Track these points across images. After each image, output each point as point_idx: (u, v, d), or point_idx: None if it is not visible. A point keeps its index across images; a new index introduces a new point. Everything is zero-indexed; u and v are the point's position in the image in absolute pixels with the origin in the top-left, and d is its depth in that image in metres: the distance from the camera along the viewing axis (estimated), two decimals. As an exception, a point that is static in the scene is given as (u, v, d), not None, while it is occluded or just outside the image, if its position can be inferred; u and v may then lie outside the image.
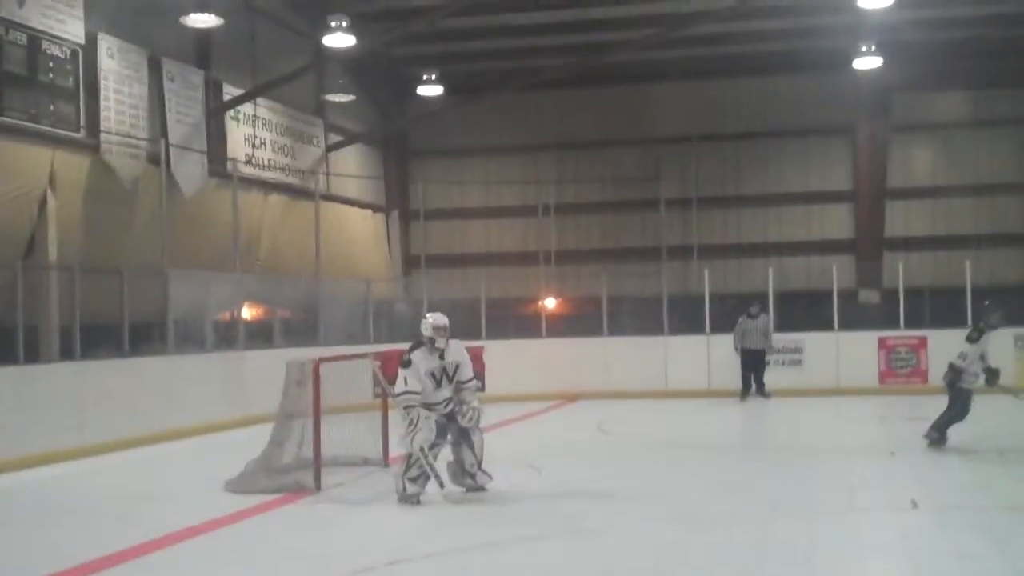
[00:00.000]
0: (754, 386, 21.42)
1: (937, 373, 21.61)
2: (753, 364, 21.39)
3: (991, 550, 8.24)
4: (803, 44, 26.68)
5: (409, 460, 10.64)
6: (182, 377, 17.21)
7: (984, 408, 19.10)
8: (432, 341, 10.75)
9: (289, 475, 11.72)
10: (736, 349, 21.31)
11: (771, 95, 28.38)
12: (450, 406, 10.83)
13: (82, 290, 15.58)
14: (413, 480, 10.60)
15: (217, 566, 8.37)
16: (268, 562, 8.38)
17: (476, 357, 17.50)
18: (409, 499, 10.57)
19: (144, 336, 17.56)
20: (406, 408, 10.61)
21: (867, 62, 24.41)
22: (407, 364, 10.73)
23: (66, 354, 15.88)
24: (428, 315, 11.14)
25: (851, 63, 24.66)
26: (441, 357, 10.80)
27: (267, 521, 10.15)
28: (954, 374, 14.28)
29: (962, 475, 11.98)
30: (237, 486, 11.56)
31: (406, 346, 11.05)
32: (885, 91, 27.53)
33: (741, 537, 8.45)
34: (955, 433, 14.04)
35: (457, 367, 10.91)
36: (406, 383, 10.66)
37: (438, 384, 10.78)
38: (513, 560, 8.08)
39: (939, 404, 17.82)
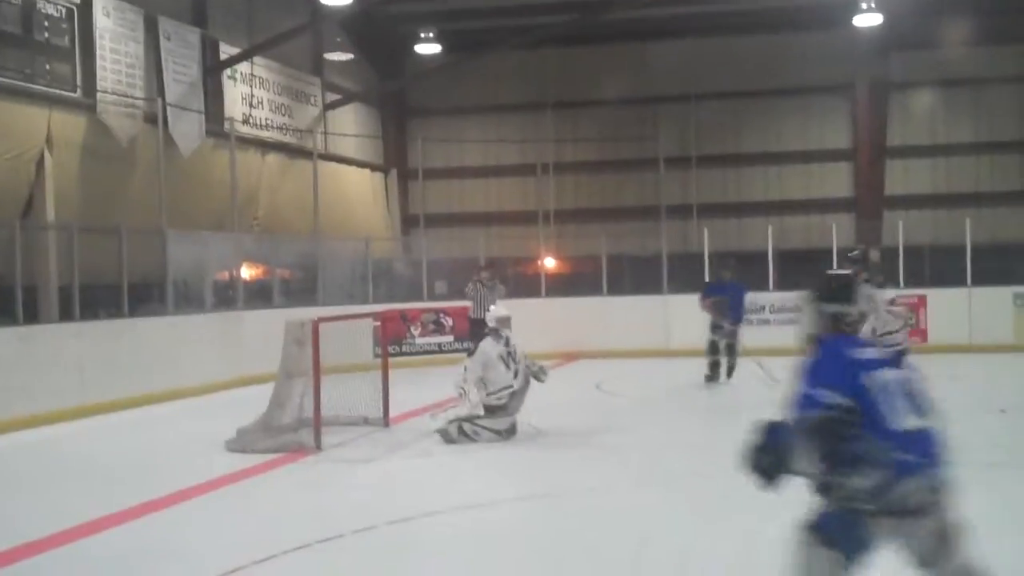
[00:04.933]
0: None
1: (937, 331, 21.86)
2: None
3: (995, 508, 8.20)
4: (803, 1, 26.51)
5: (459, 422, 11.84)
6: (181, 337, 17.20)
7: (986, 366, 19.23)
8: (496, 331, 12.17)
9: (290, 435, 11.76)
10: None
11: (771, 53, 28.19)
12: (518, 382, 11.98)
13: (80, 250, 15.54)
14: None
15: (218, 525, 8.38)
16: (269, 521, 8.39)
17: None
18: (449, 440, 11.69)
19: (143, 296, 17.53)
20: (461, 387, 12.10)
21: (867, 19, 24.29)
22: (471, 352, 12.86)
23: (65, 314, 15.86)
24: (491, 308, 12.86)
25: (851, 20, 24.54)
26: (506, 344, 12.11)
27: (268, 481, 10.17)
28: None
29: (963, 434, 11.91)
30: (238, 445, 11.58)
31: (405, 306, 11.49)
32: (885, 48, 27.38)
33: (739, 497, 8.42)
34: (957, 392, 14.02)
35: (516, 347, 12.21)
36: (466, 370, 12.24)
37: (507, 366, 11.95)
38: (511, 519, 8.10)
39: (938, 362, 17.80)
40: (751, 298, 18.78)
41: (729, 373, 17.00)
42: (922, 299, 22.09)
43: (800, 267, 23.11)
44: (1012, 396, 15.30)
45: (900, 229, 22.86)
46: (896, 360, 4.80)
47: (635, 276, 23.71)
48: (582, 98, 29.07)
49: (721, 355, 16.92)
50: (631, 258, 24.17)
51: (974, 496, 8.56)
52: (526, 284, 24.32)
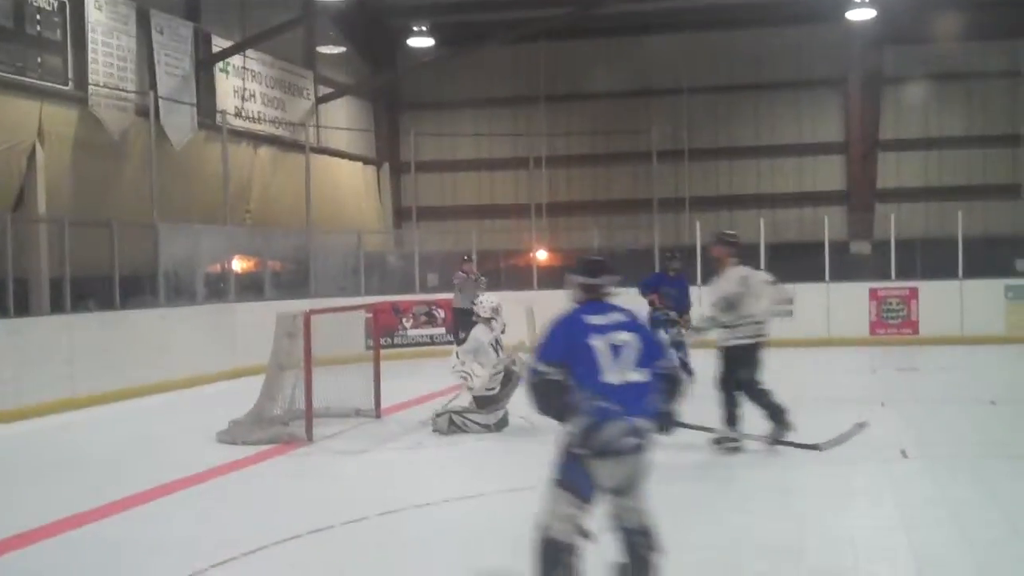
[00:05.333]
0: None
1: (928, 324, 21.90)
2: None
3: (982, 498, 8.28)
4: (796, -5, 26.57)
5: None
6: (173, 329, 17.18)
7: (977, 358, 19.28)
8: (489, 321, 12.41)
9: (281, 427, 11.76)
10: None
11: (764, 47, 28.22)
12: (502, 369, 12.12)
13: (72, 243, 15.51)
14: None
15: (209, 517, 8.38)
16: (260, 512, 8.40)
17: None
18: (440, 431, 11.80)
19: (135, 289, 17.50)
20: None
21: (860, 13, 24.33)
22: (461, 342, 13.15)
23: (56, 307, 15.83)
24: (483, 299, 12.84)
25: (844, 14, 24.56)
26: (502, 331, 12.52)
27: (259, 472, 10.17)
28: None
29: (953, 425, 12.02)
30: (229, 437, 11.58)
31: (398, 298, 11.47)
32: (878, 42, 27.40)
33: (729, 485, 8.48)
34: (947, 384, 14.08)
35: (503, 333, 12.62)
36: (457, 356, 12.49)
37: (498, 353, 12.24)
38: (501, 511, 8.09)
39: (930, 355, 17.90)
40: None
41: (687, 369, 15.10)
42: (914, 291, 22.14)
43: (792, 260, 23.18)
44: (1002, 388, 15.34)
45: (892, 222, 22.88)
46: (631, 324, 5.65)
47: (627, 269, 23.64)
48: (574, 91, 29.06)
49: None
50: (623, 251, 24.15)
51: (962, 487, 8.66)
52: (518, 276, 24.31)
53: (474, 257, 21.17)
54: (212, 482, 9.66)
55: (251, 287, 20.79)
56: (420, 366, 18.63)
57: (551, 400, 5.48)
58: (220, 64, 21.87)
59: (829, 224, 23.04)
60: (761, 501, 8.19)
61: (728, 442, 10.29)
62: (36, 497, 9.22)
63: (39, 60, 16.77)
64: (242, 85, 22.66)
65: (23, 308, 15.58)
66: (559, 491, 5.46)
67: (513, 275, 24.45)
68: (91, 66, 17.75)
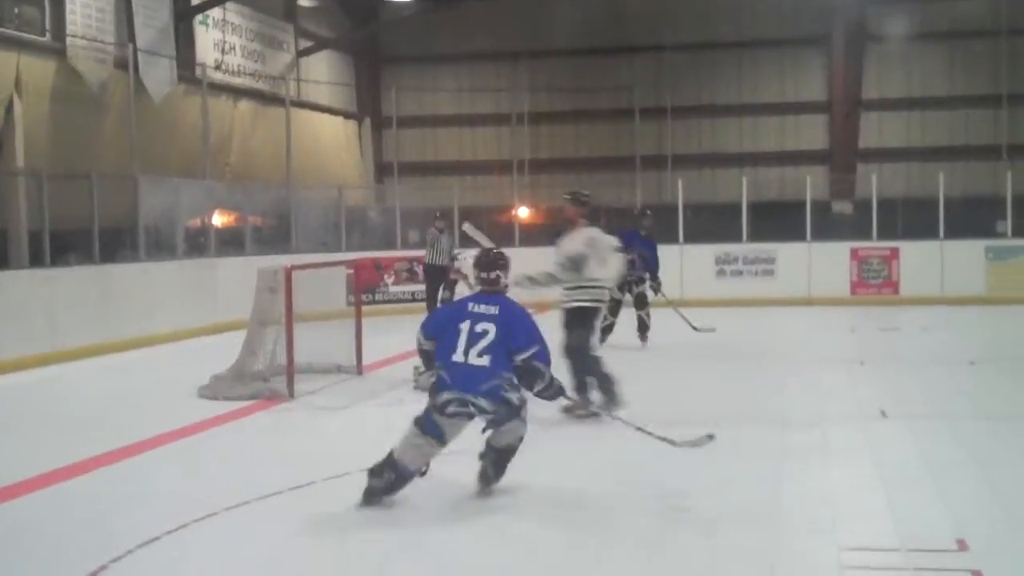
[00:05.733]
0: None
1: (909, 284, 21.99)
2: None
3: (961, 457, 8.33)
4: (781, -49, 26.45)
5: None
6: (153, 284, 17.12)
7: (957, 318, 19.38)
8: (466, 277, 12.87)
9: (262, 382, 11.75)
10: None
11: (746, 4, 28.14)
12: None
13: (51, 196, 15.39)
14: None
15: (190, 472, 8.37)
16: (242, 468, 8.39)
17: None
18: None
19: (115, 243, 17.40)
20: None
21: (844, -30, 24.24)
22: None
23: (36, 260, 15.73)
24: (464, 253, 13.33)
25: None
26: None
27: (240, 428, 10.16)
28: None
29: (933, 385, 12.07)
30: (210, 392, 11.55)
31: (379, 254, 11.34)
32: (861, 1, 27.33)
33: (709, 445, 8.49)
34: (927, 344, 14.14)
35: None
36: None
37: None
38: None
39: (910, 315, 17.95)
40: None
41: (644, 329, 15.54)
42: (895, 251, 22.21)
43: (774, 219, 23.22)
44: (982, 349, 15.42)
45: (874, 182, 22.91)
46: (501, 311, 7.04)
47: (609, 227, 23.60)
48: (557, 47, 28.95)
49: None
50: (605, 209, 24.08)
51: (941, 446, 8.71)
52: (500, 233, 24.24)
53: (442, 212, 21.01)
54: (193, 437, 9.64)
55: (232, 242, 20.70)
56: (402, 323, 18.54)
57: (427, 364, 7.25)
58: (199, 16, 21.67)
59: (811, 183, 23.07)
60: (738, 460, 8.22)
61: (579, 410, 9.58)
62: (16, 452, 9.19)
63: (16, 11, 16.61)
64: (222, 38, 22.47)
65: (2, 261, 15.48)
66: (418, 432, 7.01)
67: (494, 231, 24.36)
68: (69, 17, 17.54)
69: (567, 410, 9.62)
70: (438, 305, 16.72)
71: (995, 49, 27.42)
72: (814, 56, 28.60)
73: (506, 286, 7.36)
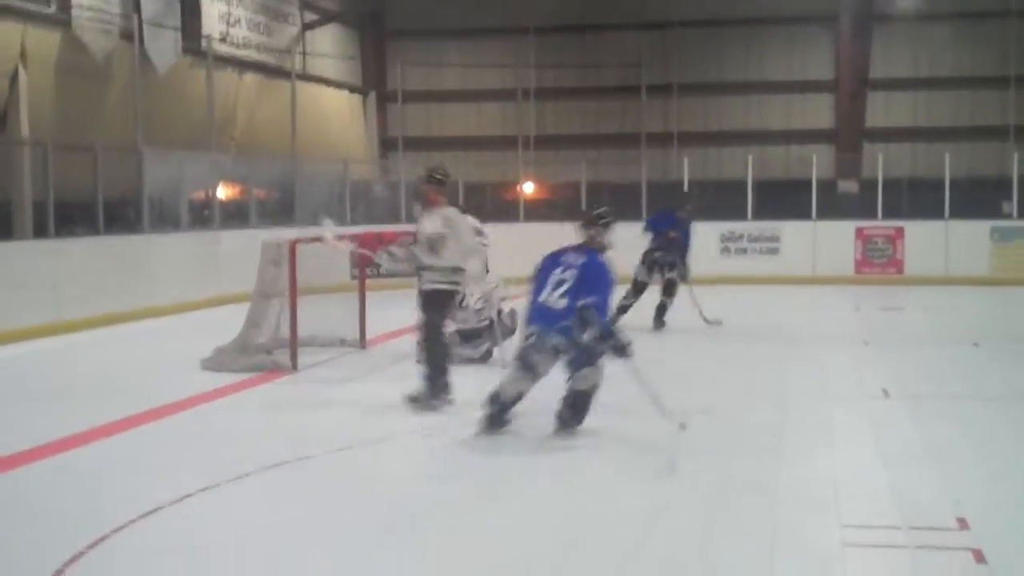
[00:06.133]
0: None
1: (913, 264, 21.98)
2: None
3: (962, 437, 8.34)
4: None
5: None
6: (157, 256, 17.13)
7: (961, 299, 19.37)
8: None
9: (265, 355, 11.77)
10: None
11: (755, -20, 28.03)
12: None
13: (55, 167, 15.38)
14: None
15: (192, 443, 8.39)
16: (243, 440, 8.40)
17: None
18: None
19: (119, 214, 17.41)
20: None
21: (853, -52, 24.12)
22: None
23: (40, 231, 15.73)
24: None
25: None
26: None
27: (244, 400, 10.17)
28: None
29: (935, 365, 12.07)
30: (214, 364, 11.57)
31: (383, 228, 11.28)
32: (870, -22, 27.24)
33: (713, 423, 8.50)
34: (930, 324, 14.12)
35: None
36: None
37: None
38: (484, 440, 8.11)
39: (914, 295, 17.92)
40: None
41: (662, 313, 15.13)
42: (900, 231, 22.19)
43: (779, 197, 23.19)
44: (985, 329, 15.43)
45: (880, 161, 22.88)
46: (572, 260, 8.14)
47: (614, 203, 23.57)
48: (564, 23, 28.83)
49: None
50: (611, 185, 24.10)
51: (943, 426, 8.71)
52: (504, 209, 24.25)
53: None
54: (196, 409, 9.66)
55: (236, 215, 20.70)
56: (405, 297, 18.55)
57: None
58: (205, -12, 21.63)
59: (817, 162, 23.03)
60: (741, 438, 8.23)
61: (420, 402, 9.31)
62: (20, 422, 9.20)
63: (22, -19, 16.54)
64: (227, 10, 22.40)
65: (6, 232, 15.49)
66: (519, 366, 7.95)
67: (499, 208, 24.37)
68: (74, -13, 17.52)
69: (413, 400, 9.33)
70: None
71: (1004, 30, 27.27)
72: (821, 35, 28.47)
73: (601, 244, 8.46)
